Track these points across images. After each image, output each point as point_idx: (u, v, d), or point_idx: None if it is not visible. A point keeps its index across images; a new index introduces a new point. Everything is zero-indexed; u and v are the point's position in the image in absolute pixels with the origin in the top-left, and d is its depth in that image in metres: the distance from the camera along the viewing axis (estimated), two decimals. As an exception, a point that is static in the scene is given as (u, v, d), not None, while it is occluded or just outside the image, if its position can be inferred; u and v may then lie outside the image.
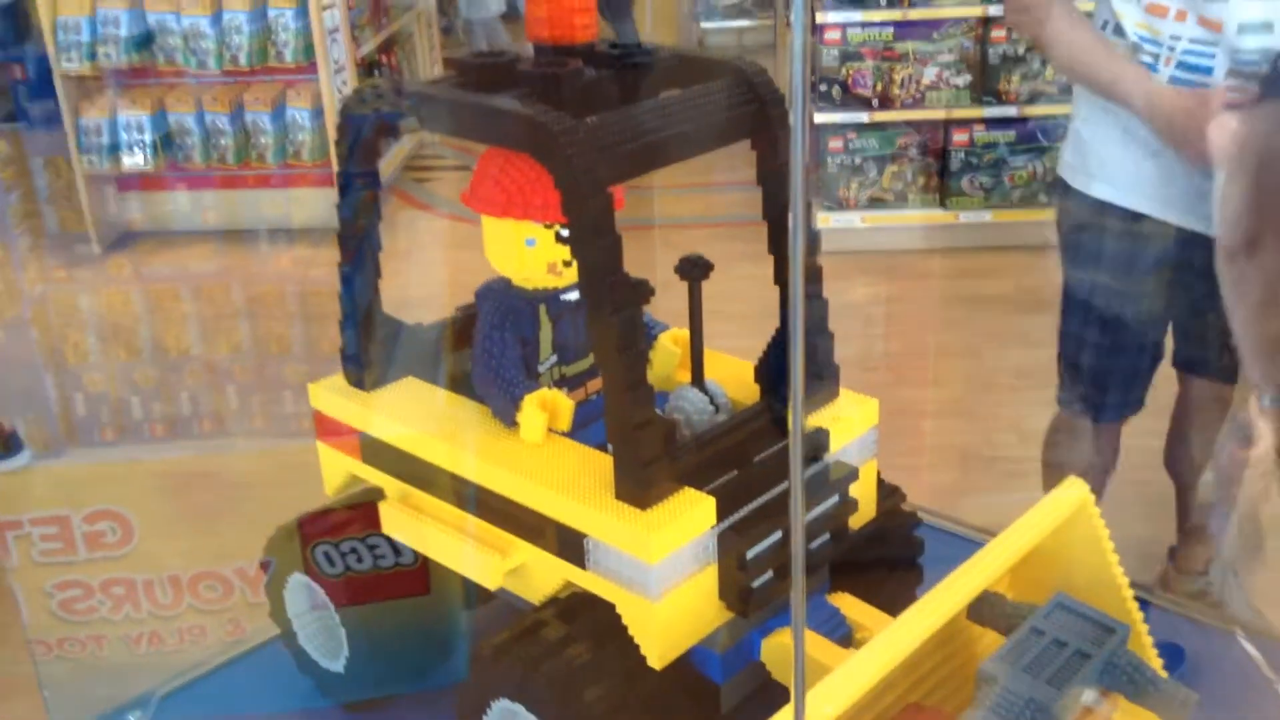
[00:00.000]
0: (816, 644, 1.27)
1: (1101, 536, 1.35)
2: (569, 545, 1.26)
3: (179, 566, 2.05)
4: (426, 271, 4.70)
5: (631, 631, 1.24)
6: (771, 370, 1.38)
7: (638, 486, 1.21)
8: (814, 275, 1.36)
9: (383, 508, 1.42)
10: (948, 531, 1.89)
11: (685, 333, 1.53)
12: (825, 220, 4.94)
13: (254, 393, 4.07)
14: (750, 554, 1.24)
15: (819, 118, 4.82)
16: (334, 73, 4.98)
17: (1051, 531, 1.37)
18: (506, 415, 1.37)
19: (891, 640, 1.15)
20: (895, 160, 4.92)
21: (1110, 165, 2.08)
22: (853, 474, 1.34)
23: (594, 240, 1.14)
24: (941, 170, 4.94)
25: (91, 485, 2.17)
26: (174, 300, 5.02)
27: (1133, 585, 1.36)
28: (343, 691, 1.52)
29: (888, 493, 1.53)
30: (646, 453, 1.19)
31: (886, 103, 4.81)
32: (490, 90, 1.25)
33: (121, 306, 4.98)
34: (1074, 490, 1.35)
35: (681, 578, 1.22)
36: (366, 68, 5.47)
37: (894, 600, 1.39)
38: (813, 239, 1.36)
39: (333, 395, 1.51)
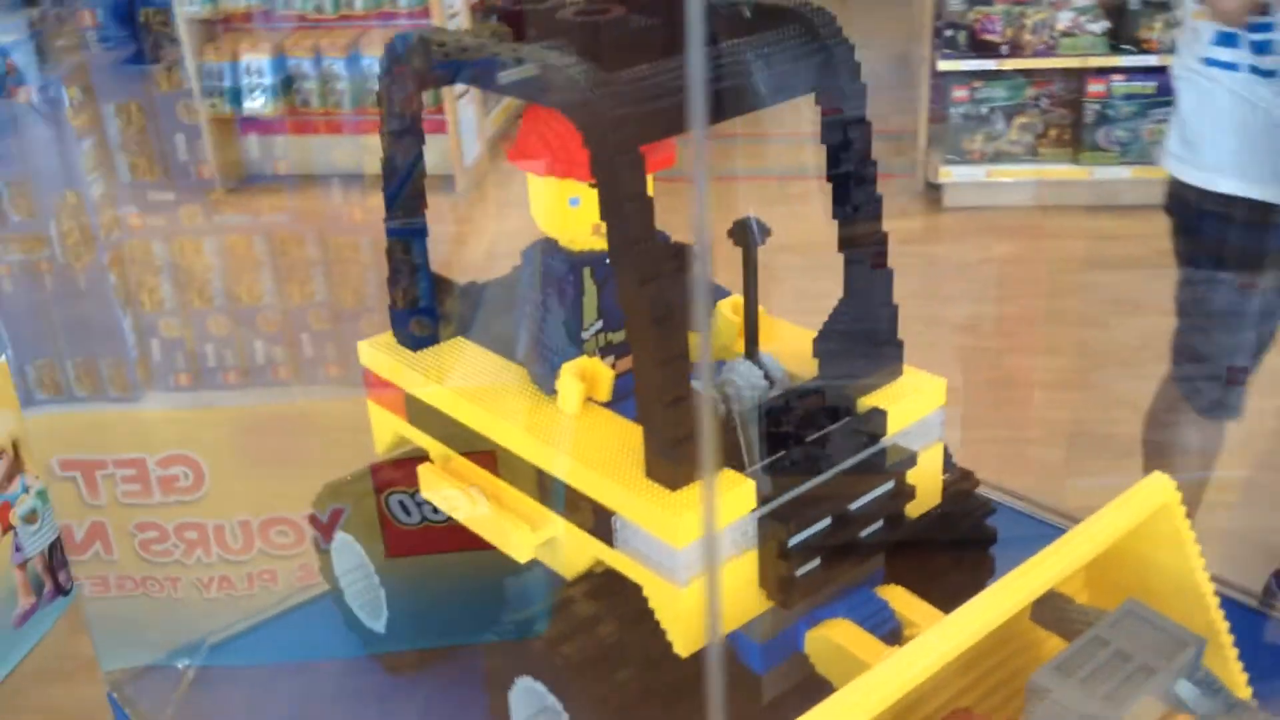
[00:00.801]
0: (858, 638, 1.19)
1: (1185, 539, 1.23)
2: (599, 522, 1.20)
3: (251, 512, 2.05)
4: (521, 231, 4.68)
5: (659, 616, 1.17)
6: (831, 344, 1.29)
7: (667, 466, 1.14)
8: (878, 242, 1.26)
9: (421, 470, 1.38)
10: (1036, 518, 1.77)
11: (735, 300, 1.45)
12: (946, 174, 4.74)
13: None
14: (793, 541, 1.17)
15: (942, 65, 4.61)
16: (449, 17, 4.95)
17: (1131, 530, 1.25)
18: (545, 383, 1.31)
19: (936, 640, 1.06)
20: (1024, 111, 4.68)
21: (1218, 151, 1.93)
22: (910, 459, 1.25)
23: (621, 203, 1.06)
24: (1074, 123, 4.68)
25: (165, 428, 2.20)
26: (296, 244, 5.10)
27: (1243, 591, 1.25)
28: (385, 644, 1.50)
29: (958, 477, 1.43)
30: (678, 431, 1.12)
31: (1016, 50, 4.56)
32: (530, 39, 1.18)
33: (243, 249, 5.09)
34: (1157, 485, 1.23)
35: (715, 563, 1.15)
36: (484, 11, 5.43)
37: (958, 593, 1.29)
38: (876, 204, 1.25)
39: (381, 353, 1.47)
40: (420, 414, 1.43)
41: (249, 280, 3.54)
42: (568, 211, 1.27)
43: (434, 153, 5.57)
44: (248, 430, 2.21)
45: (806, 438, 1.22)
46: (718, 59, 1.14)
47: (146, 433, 2.08)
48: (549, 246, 1.33)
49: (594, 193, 1.26)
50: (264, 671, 1.55)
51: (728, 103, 1.14)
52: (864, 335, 1.28)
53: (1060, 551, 1.17)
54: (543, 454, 1.25)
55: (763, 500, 1.17)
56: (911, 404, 1.28)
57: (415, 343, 1.46)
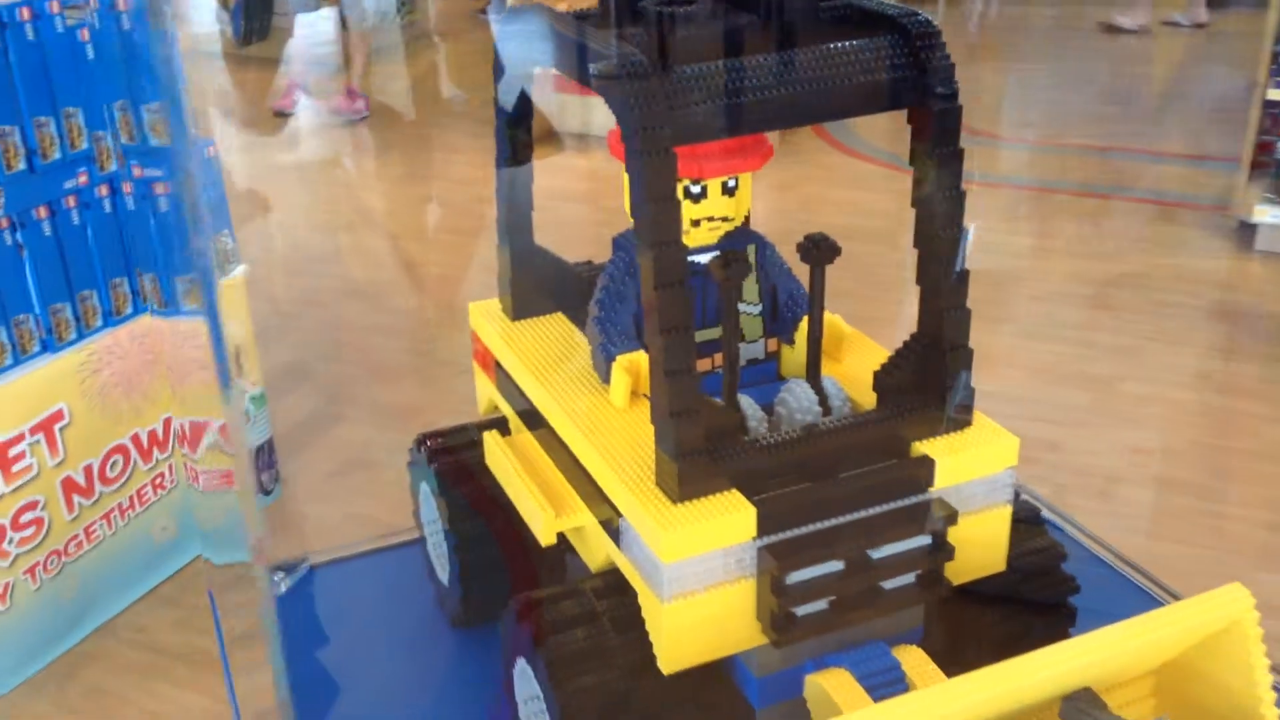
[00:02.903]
0: (849, 693, 1.12)
1: (1255, 663, 1.07)
2: (610, 521, 1.19)
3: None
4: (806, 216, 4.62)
5: (648, 627, 1.15)
6: (893, 379, 1.21)
7: (667, 478, 1.11)
8: (958, 284, 1.16)
9: (486, 438, 1.41)
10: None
11: (832, 317, 1.38)
12: (1262, 214, 4.27)
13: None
14: (791, 578, 1.11)
15: (1273, 93, 4.15)
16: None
17: (1200, 642, 1.11)
18: (602, 372, 1.30)
19: (910, 709, 0.99)
20: (1367, 154, 4.14)
21: None
22: (951, 516, 1.15)
23: (646, 202, 1.03)
24: None
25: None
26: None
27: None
28: (448, 606, 1.55)
29: (1038, 547, 1.31)
30: (682, 444, 1.09)
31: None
32: (610, 26, 1.17)
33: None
34: (1230, 597, 1.08)
35: (704, 585, 1.11)
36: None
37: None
38: (958, 231, 1.15)
39: (485, 319, 1.51)
40: (503, 382, 1.46)
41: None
42: (645, 204, 1.25)
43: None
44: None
45: (839, 474, 1.15)
46: (791, 64, 1.08)
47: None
48: (631, 238, 1.31)
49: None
50: (346, 600, 1.63)
51: (791, 110, 1.08)
52: (929, 376, 1.19)
53: (1088, 645, 1.05)
54: (581, 443, 1.24)
55: (771, 530, 1.11)
56: (972, 458, 1.18)
57: (516, 313, 1.48)
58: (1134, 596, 1.55)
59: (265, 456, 2.76)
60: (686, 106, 1.04)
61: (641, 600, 1.15)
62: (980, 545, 1.21)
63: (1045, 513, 1.72)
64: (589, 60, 1.10)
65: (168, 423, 2.47)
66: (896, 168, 5.15)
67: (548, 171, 5.05)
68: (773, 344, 1.36)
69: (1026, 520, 1.31)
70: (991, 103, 5.89)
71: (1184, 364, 3.40)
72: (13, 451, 2.11)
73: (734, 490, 1.12)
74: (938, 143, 1.12)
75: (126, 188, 2.31)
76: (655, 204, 1.03)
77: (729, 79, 1.05)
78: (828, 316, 1.40)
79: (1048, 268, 4.11)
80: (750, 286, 1.33)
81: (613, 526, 1.18)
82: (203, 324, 1.10)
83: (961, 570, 1.21)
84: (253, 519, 1.18)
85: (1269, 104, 4.25)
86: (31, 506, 2.16)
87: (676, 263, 1.04)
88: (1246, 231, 4.41)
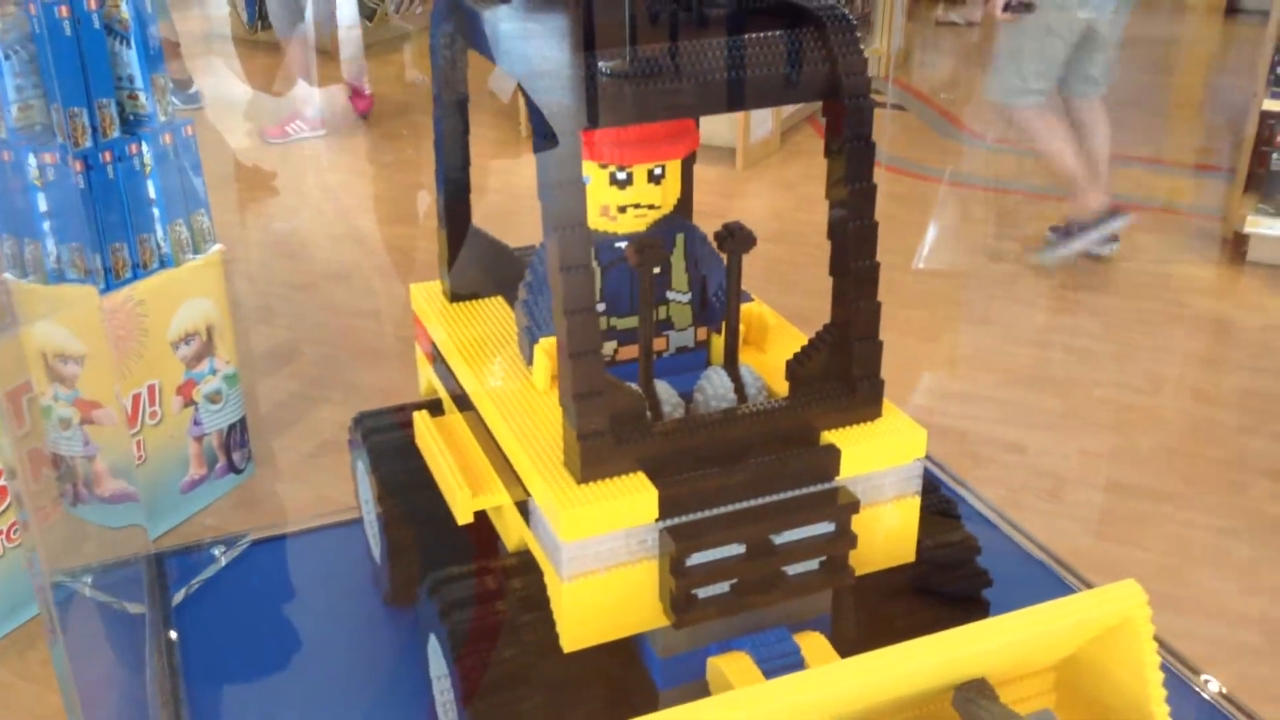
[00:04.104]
0: (746, 675, 1.13)
1: (1147, 661, 1.08)
2: (522, 501, 1.21)
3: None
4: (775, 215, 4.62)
5: (552, 606, 1.16)
6: (803, 369, 1.22)
7: (571, 459, 1.12)
8: (869, 275, 1.17)
9: (415, 418, 1.43)
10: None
11: (757, 306, 1.40)
12: (1254, 224, 4.26)
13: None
14: (691, 560, 1.12)
15: (1269, 104, 4.14)
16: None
17: (1096, 636, 1.12)
18: (526, 354, 1.32)
19: (794, 686, 1.00)
20: (1360, 167, 4.13)
21: None
22: (853, 505, 1.16)
23: (552, 186, 1.05)
24: None
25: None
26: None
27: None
28: (380, 583, 1.57)
29: (951, 540, 1.32)
30: (585, 425, 1.10)
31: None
32: (535, 11, 1.18)
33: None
34: (1124, 593, 1.09)
35: (604, 565, 1.12)
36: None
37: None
38: (871, 227, 1.16)
39: (426, 299, 1.53)
40: (439, 363, 1.48)
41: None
42: (575, 189, 1.26)
43: (722, 124, 5.55)
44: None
45: (743, 459, 1.17)
46: (704, 53, 1.10)
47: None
48: (562, 222, 1.32)
49: (603, 174, 1.25)
50: (283, 575, 1.65)
51: (703, 99, 1.09)
52: (839, 367, 1.20)
53: (978, 632, 1.07)
54: (499, 424, 1.26)
55: (673, 513, 1.13)
56: (879, 448, 1.19)
57: (454, 294, 1.50)
58: (1060, 595, 1.56)
59: (237, 436, 2.79)
60: (594, 90, 1.05)
61: (546, 579, 1.17)
62: (887, 535, 1.23)
63: (985, 510, 1.74)
64: (504, 45, 1.11)
65: (136, 398, 2.50)
66: (897, 169, 5.15)
67: (527, 167, 5.07)
68: (702, 333, 1.37)
69: (941, 513, 1.32)
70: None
71: (1163, 371, 3.40)
72: (-25, 421, 2.14)
73: (639, 473, 1.13)
74: (850, 135, 1.13)
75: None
76: (559, 187, 1.05)
77: (637, 65, 1.06)
78: (756, 306, 1.41)
79: (1034, 271, 4.11)
80: (680, 275, 1.34)
81: (524, 506, 1.20)
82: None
83: (868, 559, 1.22)
84: (33, 531, 1.17)
85: (1266, 115, 4.24)
86: (-5, 475, 2.19)
87: (581, 245, 1.06)
88: (1240, 243, 4.41)
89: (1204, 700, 1.43)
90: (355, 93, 5.56)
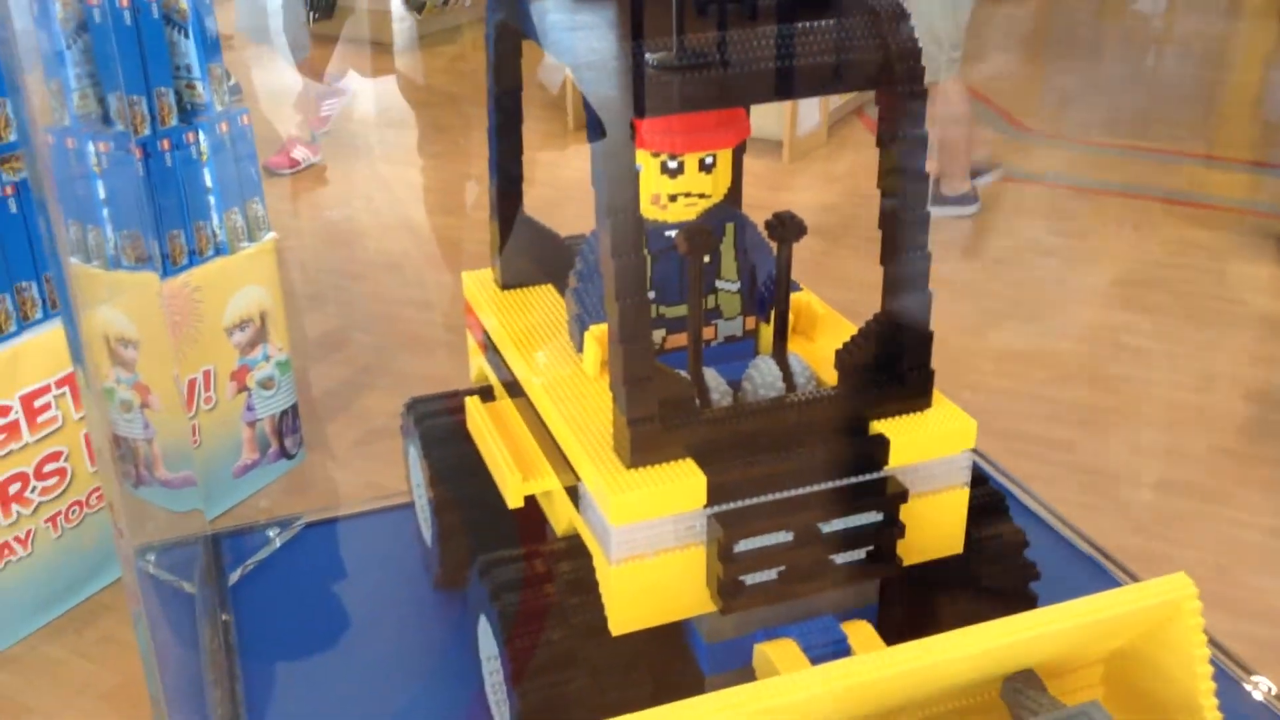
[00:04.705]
0: (792, 662, 1.14)
1: (1197, 654, 1.08)
2: (572, 486, 1.22)
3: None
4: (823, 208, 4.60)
5: (601, 590, 1.18)
6: (853, 358, 1.22)
7: (621, 444, 1.14)
8: (920, 266, 1.17)
9: (467, 404, 1.45)
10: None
11: (806, 296, 1.40)
12: (1312, 222, 4.19)
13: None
14: (739, 547, 1.13)
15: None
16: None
17: (1147, 630, 1.11)
18: (577, 341, 1.33)
19: (842, 672, 1.00)
20: None
21: None
22: (901, 495, 1.16)
23: (606, 173, 1.06)
24: None
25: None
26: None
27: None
28: (431, 567, 1.59)
29: (999, 532, 1.32)
30: (635, 410, 1.11)
31: None
32: (587, 1, 1.19)
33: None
34: (1174, 586, 1.08)
35: (653, 550, 1.13)
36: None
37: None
38: (923, 218, 1.17)
39: (478, 287, 1.54)
40: (490, 350, 1.50)
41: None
42: (627, 177, 1.27)
43: (770, 116, 5.52)
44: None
45: (792, 448, 1.17)
46: (757, 41, 1.10)
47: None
48: (614, 211, 1.33)
49: (654, 162, 1.26)
50: (336, 558, 1.68)
51: (757, 87, 1.10)
52: (889, 357, 1.20)
53: (1025, 622, 1.06)
54: (550, 410, 1.27)
55: (722, 499, 1.14)
56: (928, 439, 1.19)
57: (505, 282, 1.52)
58: (1107, 589, 1.55)
59: (289, 421, 2.83)
60: (644, 81, 1.06)
61: (595, 563, 1.18)
62: (935, 526, 1.23)
63: (1034, 505, 1.73)
64: (557, 35, 1.13)
65: (192, 383, 2.54)
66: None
67: (575, 158, 5.08)
68: (750, 322, 1.38)
69: (990, 506, 1.32)
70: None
71: (1215, 370, 3.36)
72: (38, 403, 2.19)
73: (688, 459, 1.14)
74: (903, 125, 1.13)
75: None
76: (611, 176, 1.06)
77: (688, 55, 1.07)
78: (805, 295, 1.42)
79: (1085, 268, 4.07)
80: (729, 264, 1.35)
81: (574, 491, 1.21)
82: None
83: (916, 549, 1.22)
84: (119, 506, 1.19)
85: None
86: (55, 457, 2.24)
87: (632, 232, 1.07)
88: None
89: (1255, 700, 1.42)
90: (287, 146, 4.89)
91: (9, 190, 2.19)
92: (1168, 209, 4.56)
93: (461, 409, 1.51)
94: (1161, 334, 3.62)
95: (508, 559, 1.25)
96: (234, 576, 1.61)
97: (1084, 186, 4.80)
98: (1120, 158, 5.12)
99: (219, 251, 2.58)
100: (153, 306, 2.13)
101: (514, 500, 1.29)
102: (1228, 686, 1.38)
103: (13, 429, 2.12)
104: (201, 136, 2.53)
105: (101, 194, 2.40)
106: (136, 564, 1.32)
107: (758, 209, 1.39)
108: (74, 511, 2.30)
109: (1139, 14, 7.52)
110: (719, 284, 1.34)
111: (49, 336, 2.22)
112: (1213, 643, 1.12)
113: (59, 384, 2.21)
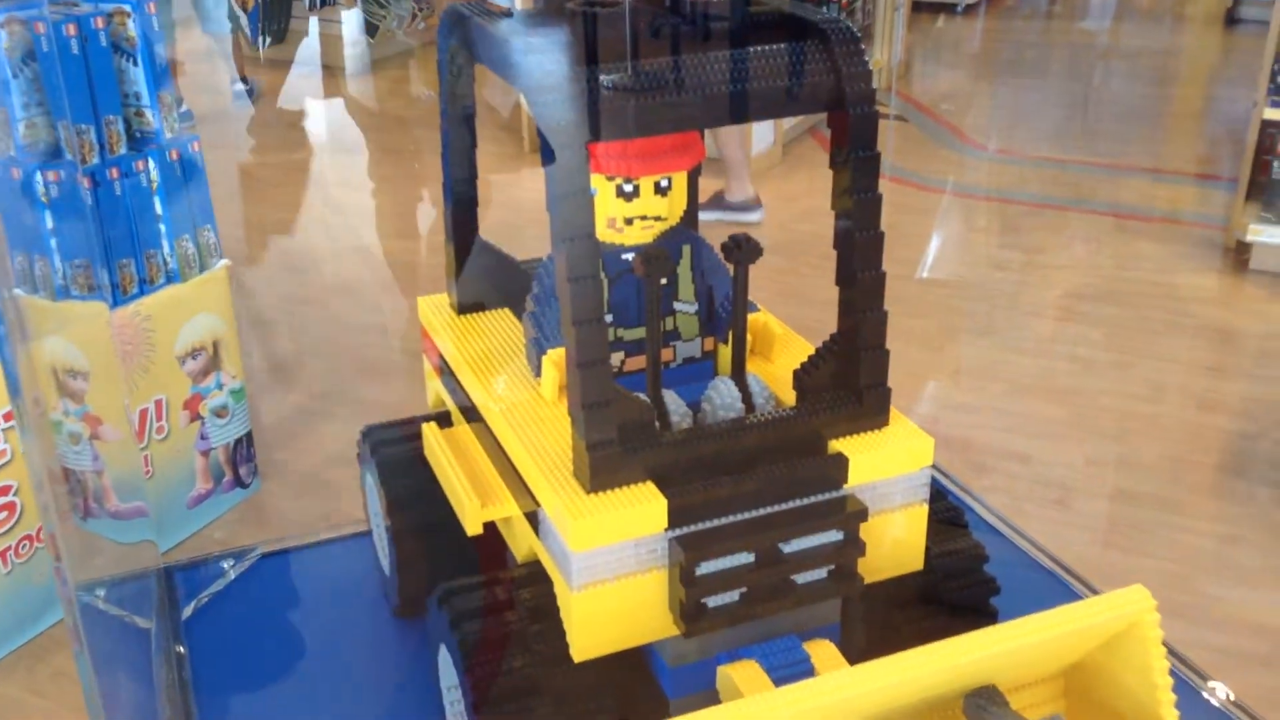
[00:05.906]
0: (755, 684, 1.13)
1: (1156, 666, 1.08)
2: (532, 511, 1.21)
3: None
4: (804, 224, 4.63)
5: (562, 616, 1.17)
6: (811, 378, 1.22)
7: (581, 469, 1.13)
8: (875, 285, 1.18)
9: (424, 430, 1.44)
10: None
11: (763, 317, 1.40)
12: (1256, 233, 4.27)
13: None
14: (701, 569, 1.13)
15: (1270, 113, 4.15)
16: None
17: (1105, 642, 1.12)
18: (534, 366, 1.32)
19: (806, 693, 1.00)
20: (1362, 176, 4.14)
21: None
22: (861, 513, 1.17)
23: (561, 197, 1.06)
24: None
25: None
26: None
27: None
28: (390, 595, 1.57)
29: (959, 547, 1.32)
30: (594, 435, 1.11)
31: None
32: (540, 26, 1.19)
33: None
34: (1132, 599, 1.09)
35: (614, 575, 1.13)
36: None
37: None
38: (877, 236, 1.17)
39: (433, 312, 1.53)
40: (447, 376, 1.49)
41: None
42: (583, 201, 1.27)
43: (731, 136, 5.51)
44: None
45: (752, 469, 1.17)
46: (710, 66, 1.11)
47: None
48: (570, 234, 1.33)
49: (609, 186, 1.26)
50: (292, 588, 1.66)
51: (709, 111, 1.10)
52: (846, 376, 1.20)
53: (986, 638, 1.07)
54: (508, 435, 1.26)
55: (682, 522, 1.13)
56: (886, 457, 1.20)
57: (460, 307, 1.51)
58: (1068, 602, 1.56)
59: (244, 450, 2.79)
60: (598, 105, 1.06)
61: (556, 589, 1.17)
62: (895, 543, 1.23)
63: (992, 519, 1.74)
64: (509, 59, 1.12)
65: (144, 413, 2.51)
66: (901, 180, 5.16)
67: (530, 180, 5.08)
68: (709, 343, 1.38)
69: (949, 521, 1.33)
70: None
71: (1166, 380, 3.41)
72: (-15, 436, 2.15)
73: (648, 482, 1.14)
74: (855, 146, 1.14)
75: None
76: (567, 199, 1.05)
77: (643, 79, 1.07)
78: (763, 316, 1.42)
79: (1037, 282, 4.12)
80: (686, 286, 1.35)
81: (534, 517, 1.20)
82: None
83: (876, 567, 1.22)
84: (60, 540, 1.16)
85: (1267, 124, 4.26)
86: (4, 491, 2.20)
87: (588, 256, 1.07)
88: (1242, 251, 4.42)
89: (1213, 707, 1.43)
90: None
91: (-47, 221, 2.15)
92: (1117, 223, 4.64)
93: (419, 435, 1.50)
94: (1113, 345, 3.67)
95: (467, 587, 1.23)
96: (188, 610, 1.58)
97: (1034, 201, 4.87)
98: (1069, 173, 5.20)
99: (170, 279, 2.55)
100: (102, 336, 2.09)
101: (473, 527, 1.28)
102: (1186, 694, 1.40)
103: (-40, 464, 2.09)
104: (152, 164, 2.50)
105: (49, 224, 2.36)
106: (85, 599, 1.29)
107: (714, 228, 1.39)
108: (24, 546, 2.26)
109: (1085, 30, 7.66)
110: (677, 306, 1.34)
111: (-5, 369, 2.18)
112: (1171, 651, 1.13)
113: (7, 417, 2.17)
